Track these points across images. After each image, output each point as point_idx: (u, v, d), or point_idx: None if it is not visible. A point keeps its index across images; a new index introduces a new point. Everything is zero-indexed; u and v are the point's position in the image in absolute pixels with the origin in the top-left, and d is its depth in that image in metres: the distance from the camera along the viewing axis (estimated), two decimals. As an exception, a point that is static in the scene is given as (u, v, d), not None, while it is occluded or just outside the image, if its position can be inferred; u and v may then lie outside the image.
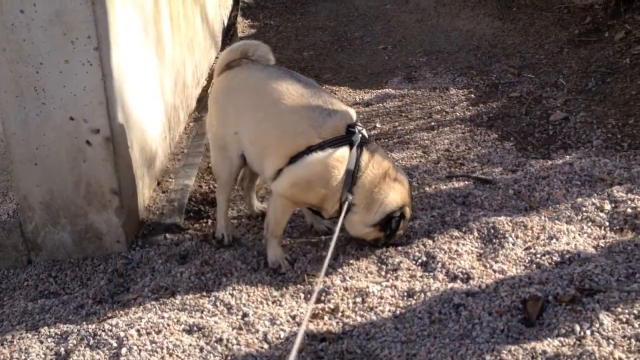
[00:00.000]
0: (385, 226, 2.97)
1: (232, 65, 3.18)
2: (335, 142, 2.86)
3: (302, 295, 2.87)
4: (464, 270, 2.87)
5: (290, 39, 6.44)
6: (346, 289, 2.84)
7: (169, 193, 3.75)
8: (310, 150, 2.85)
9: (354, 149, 2.86)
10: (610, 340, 2.30)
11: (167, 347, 2.54)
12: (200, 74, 5.12)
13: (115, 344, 2.58)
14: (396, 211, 2.95)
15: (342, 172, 2.86)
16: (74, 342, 2.63)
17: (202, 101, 4.90)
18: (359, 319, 2.66)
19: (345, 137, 2.87)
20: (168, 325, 2.67)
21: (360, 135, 2.89)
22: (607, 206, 3.19)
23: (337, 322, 2.66)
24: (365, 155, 2.89)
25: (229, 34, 6.27)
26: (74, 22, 2.91)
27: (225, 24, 6.32)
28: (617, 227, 3.05)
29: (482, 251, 3.04)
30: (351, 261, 3.04)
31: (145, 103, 3.60)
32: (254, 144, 3.04)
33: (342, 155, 2.85)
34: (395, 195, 2.94)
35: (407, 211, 3.01)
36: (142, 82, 3.55)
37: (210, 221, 3.56)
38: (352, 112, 3.02)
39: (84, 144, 3.08)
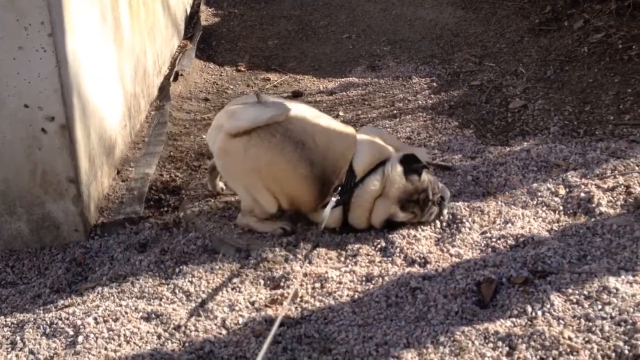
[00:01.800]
0: None
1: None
2: None
3: (262, 282, 2.88)
4: (421, 255, 2.91)
5: (254, 27, 6.41)
6: (305, 275, 2.86)
7: (129, 182, 3.72)
8: None
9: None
10: (561, 320, 2.35)
11: (125, 335, 2.53)
12: (162, 62, 5.07)
13: (71, 332, 2.57)
14: None
15: None
16: (30, 330, 2.61)
17: (163, 90, 4.87)
18: (317, 304, 2.68)
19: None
20: (126, 313, 2.66)
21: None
22: (562, 191, 3.25)
23: (296, 308, 2.68)
24: None
25: (191, 22, 6.22)
26: (27, 7, 2.86)
27: (188, 12, 6.26)
28: (571, 211, 3.12)
29: (440, 236, 3.08)
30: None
31: (103, 91, 3.56)
32: None
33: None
34: None
35: None
36: (99, 69, 3.51)
37: (170, 210, 3.55)
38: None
39: (39, 132, 3.04)
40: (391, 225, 3.12)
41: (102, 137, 3.51)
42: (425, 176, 3.13)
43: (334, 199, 3.07)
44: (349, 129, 3.27)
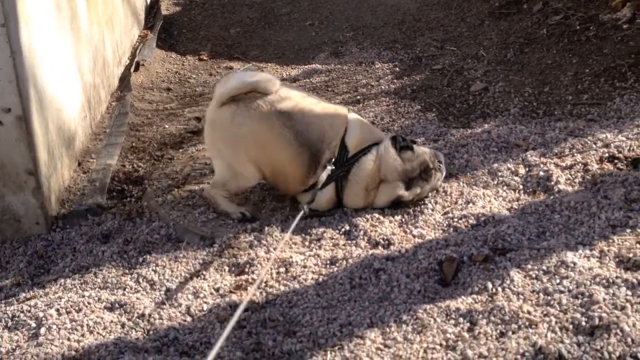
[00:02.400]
0: None
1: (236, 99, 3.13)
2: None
3: (227, 269, 2.88)
4: (385, 237, 2.93)
5: (216, 16, 6.37)
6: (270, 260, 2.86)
7: (90, 173, 3.68)
8: None
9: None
10: (520, 295, 2.39)
11: (88, 325, 2.51)
12: (122, 53, 5.01)
13: (34, 325, 2.54)
14: None
15: None
16: (-8, 325, 2.58)
17: (124, 80, 4.81)
18: (282, 288, 2.69)
19: None
20: (89, 303, 2.64)
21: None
22: (522, 170, 3.30)
23: (261, 292, 2.68)
24: None
25: (152, 11, 6.14)
26: (-22, -3, 2.81)
27: (148, 2, 6.18)
28: (530, 189, 3.17)
29: (403, 218, 3.11)
30: (275, 233, 3.05)
31: (60, 81, 3.50)
32: None
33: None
34: None
35: None
36: (56, 60, 3.46)
37: (133, 200, 3.52)
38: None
39: (-5, 124, 2.99)
40: (397, 205, 3.18)
41: (60, 129, 3.46)
42: (417, 148, 3.23)
43: (329, 167, 3.13)
44: (340, 108, 3.36)
